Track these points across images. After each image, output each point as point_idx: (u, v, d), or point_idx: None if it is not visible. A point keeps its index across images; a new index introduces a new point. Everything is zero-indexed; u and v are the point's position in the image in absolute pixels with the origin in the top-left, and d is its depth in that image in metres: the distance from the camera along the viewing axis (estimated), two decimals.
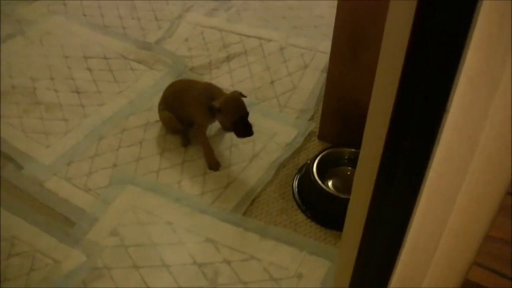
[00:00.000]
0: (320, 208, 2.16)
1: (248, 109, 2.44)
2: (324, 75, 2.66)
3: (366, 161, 1.04)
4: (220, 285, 1.94)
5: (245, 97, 2.26)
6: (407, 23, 0.78)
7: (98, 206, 2.19)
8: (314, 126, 2.53)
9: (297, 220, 2.16)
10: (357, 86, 2.18)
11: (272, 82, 2.79)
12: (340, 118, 2.35)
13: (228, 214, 2.16)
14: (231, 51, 2.99)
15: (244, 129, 2.20)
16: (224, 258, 2.02)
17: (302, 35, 3.10)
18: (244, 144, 2.43)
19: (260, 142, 2.46)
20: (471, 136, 0.86)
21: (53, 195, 2.24)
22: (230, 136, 2.47)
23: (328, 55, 2.26)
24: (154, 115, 2.57)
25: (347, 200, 1.17)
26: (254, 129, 2.42)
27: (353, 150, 2.27)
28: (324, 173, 2.21)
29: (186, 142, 2.44)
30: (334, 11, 2.09)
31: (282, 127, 2.53)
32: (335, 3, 2.07)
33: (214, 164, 2.35)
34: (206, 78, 2.80)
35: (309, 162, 2.25)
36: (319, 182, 2.14)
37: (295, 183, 2.28)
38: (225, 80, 2.79)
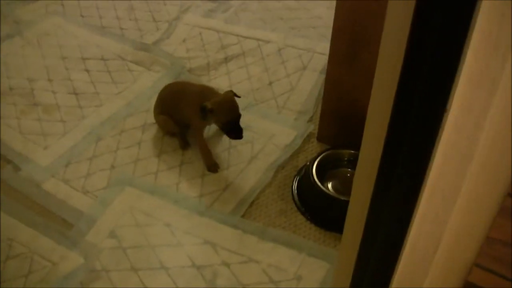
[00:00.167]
0: (320, 210, 2.16)
1: (246, 110, 2.43)
2: (323, 76, 2.66)
3: (365, 162, 1.04)
4: None
5: (239, 97, 2.26)
6: (405, 23, 0.78)
7: (96, 207, 2.18)
8: (313, 127, 2.52)
9: (296, 222, 2.16)
10: (356, 87, 2.18)
11: (270, 83, 2.78)
12: (339, 119, 2.34)
13: (227, 216, 2.16)
14: (229, 52, 2.99)
15: (235, 131, 2.20)
16: (223, 260, 2.01)
17: (301, 36, 3.09)
18: (242, 146, 2.43)
19: (258, 144, 2.45)
20: (471, 136, 0.86)
21: (50, 197, 2.23)
22: (228, 138, 2.46)
23: (326, 56, 2.25)
24: (152, 117, 2.56)
25: (347, 202, 1.16)
26: (253, 130, 2.42)
27: (353, 151, 2.26)
28: (323, 175, 2.21)
29: (185, 145, 2.44)
30: (332, 12, 2.08)
31: (280, 128, 2.52)
32: (334, 4, 2.07)
33: (212, 166, 2.34)
34: (204, 79, 2.79)
35: (308, 163, 2.24)
36: (319, 183, 2.13)
37: (294, 185, 2.28)
38: (223, 82, 2.79)
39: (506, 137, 0.86)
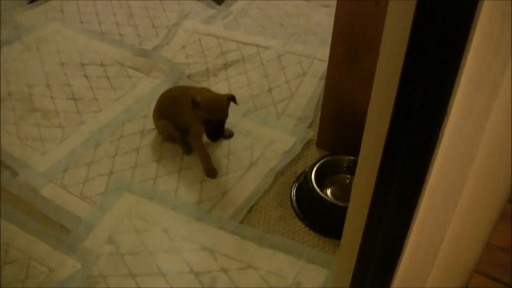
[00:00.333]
0: (319, 216, 2.15)
1: (246, 116, 2.43)
2: (322, 82, 2.66)
3: (364, 168, 1.03)
4: None
5: (236, 104, 2.28)
6: (405, 26, 0.77)
7: (94, 213, 2.17)
8: (312, 134, 2.51)
9: (295, 228, 2.15)
10: (356, 93, 2.17)
11: (270, 90, 2.78)
12: (338, 125, 2.34)
13: (225, 222, 2.15)
14: (229, 58, 2.98)
15: (213, 132, 2.21)
16: (221, 267, 2.00)
17: (300, 42, 3.10)
18: (241, 152, 2.42)
19: (257, 150, 2.44)
20: (472, 139, 0.85)
21: (48, 202, 2.22)
22: (228, 144, 2.46)
23: (326, 63, 2.25)
24: (151, 122, 2.56)
25: (346, 208, 1.15)
26: (252, 136, 2.42)
27: (352, 158, 2.25)
28: (322, 181, 2.20)
29: (188, 150, 2.43)
30: (332, 19, 2.08)
31: (280, 134, 2.52)
32: (333, 10, 2.07)
33: (211, 171, 2.33)
34: (203, 85, 2.78)
35: (307, 170, 2.23)
36: (318, 190, 2.13)
37: (293, 191, 2.27)
38: (222, 88, 2.78)
39: (507, 140, 0.85)
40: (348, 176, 2.27)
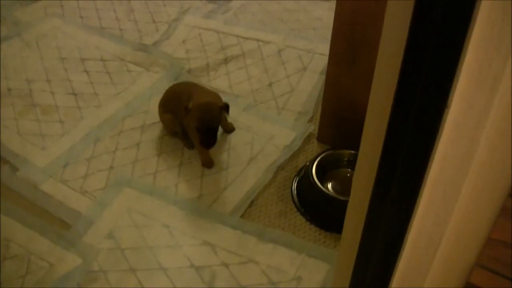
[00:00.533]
0: (319, 211, 2.15)
1: (246, 111, 2.42)
2: (323, 77, 2.65)
3: (365, 162, 1.03)
4: None
5: (227, 114, 2.31)
6: (405, 23, 0.77)
7: (94, 208, 2.17)
8: (313, 128, 2.51)
9: (296, 222, 2.14)
10: (356, 87, 2.17)
11: (270, 84, 2.77)
12: (339, 120, 2.34)
13: (226, 216, 2.15)
14: (229, 53, 2.98)
15: (205, 139, 2.20)
16: (222, 261, 2.00)
17: (301, 37, 3.09)
18: (242, 147, 2.42)
19: (258, 145, 2.44)
20: (472, 136, 0.85)
21: (48, 198, 2.22)
22: (228, 139, 2.46)
23: (327, 57, 2.24)
24: (151, 117, 2.55)
25: (346, 202, 1.15)
26: (252, 131, 2.41)
27: (353, 152, 2.25)
28: (323, 175, 2.20)
29: (190, 145, 2.43)
30: (332, 14, 2.07)
31: (280, 129, 2.51)
32: (333, 5, 2.06)
33: (207, 162, 2.34)
34: (203, 80, 2.78)
35: (308, 164, 2.23)
36: (319, 184, 2.12)
37: (294, 185, 2.27)
38: (222, 82, 2.78)
39: (507, 136, 0.85)
40: (349, 170, 2.27)
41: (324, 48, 2.85)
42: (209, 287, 1.92)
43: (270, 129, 2.51)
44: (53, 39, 3.06)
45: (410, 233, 1.01)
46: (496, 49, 0.75)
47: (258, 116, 2.58)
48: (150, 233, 2.09)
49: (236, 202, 2.20)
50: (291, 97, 2.70)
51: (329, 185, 2.22)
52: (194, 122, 2.18)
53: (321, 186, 2.12)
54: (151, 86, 2.76)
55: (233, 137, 2.46)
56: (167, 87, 2.65)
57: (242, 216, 2.16)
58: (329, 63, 2.22)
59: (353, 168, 2.22)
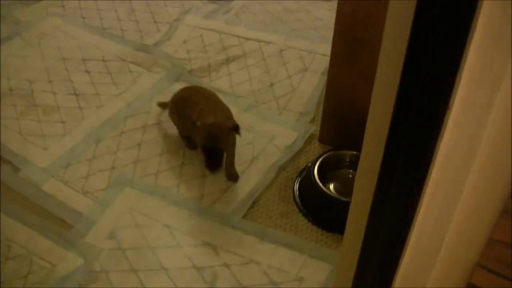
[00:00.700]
0: (321, 211, 2.15)
1: (247, 111, 2.42)
2: (324, 77, 2.65)
3: (367, 163, 1.03)
4: None
5: (239, 135, 2.18)
6: (407, 23, 0.77)
7: (96, 209, 2.17)
8: (315, 128, 2.51)
9: (298, 223, 2.14)
10: (357, 88, 2.17)
11: (271, 85, 2.77)
12: (340, 120, 2.34)
13: (227, 217, 2.15)
14: (230, 53, 2.98)
15: (209, 161, 2.15)
16: (223, 262, 2.00)
17: (302, 37, 3.09)
18: (243, 147, 2.42)
19: (259, 145, 2.44)
20: (473, 135, 0.85)
21: (50, 198, 2.22)
22: None
23: (328, 58, 2.24)
24: (152, 118, 2.55)
25: (348, 203, 1.15)
26: (254, 131, 2.41)
27: (354, 152, 2.25)
28: (325, 176, 2.20)
29: (193, 146, 2.41)
30: (333, 14, 2.08)
31: (281, 129, 2.51)
32: (335, 5, 2.06)
33: (230, 174, 2.30)
34: (205, 81, 2.78)
35: (309, 165, 2.23)
36: (320, 185, 2.12)
37: (296, 186, 2.27)
38: (224, 83, 2.78)
39: (508, 136, 0.85)
40: (351, 171, 2.27)
41: (325, 48, 2.85)
42: None
43: (271, 130, 2.51)
44: (54, 39, 3.06)
45: (412, 234, 1.01)
46: (497, 49, 0.75)
47: (259, 117, 2.58)
48: (152, 233, 2.09)
49: (238, 203, 2.20)
50: (292, 97, 2.70)
51: (331, 186, 2.22)
52: (201, 140, 2.12)
53: (322, 187, 2.12)
54: (152, 86, 2.76)
55: None
56: (168, 88, 2.65)
57: (243, 216, 2.16)
58: (330, 63, 2.22)
59: (354, 169, 2.22)
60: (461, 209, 0.96)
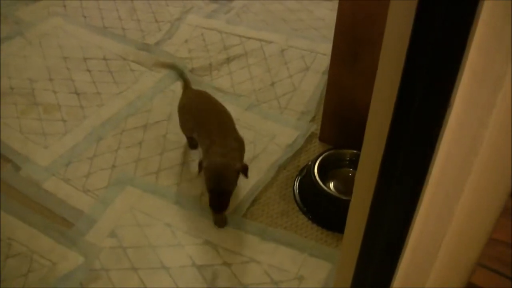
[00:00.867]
0: (322, 210, 2.15)
1: (249, 110, 2.41)
2: (325, 77, 2.65)
3: (367, 162, 1.03)
4: None
5: (246, 177, 2.05)
6: (408, 21, 0.77)
7: (97, 207, 2.17)
8: (315, 127, 2.51)
9: (298, 222, 2.15)
10: (358, 87, 2.17)
11: (272, 84, 2.77)
12: (341, 119, 2.34)
13: (228, 216, 2.15)
14: (231, 53, 2.98)
15: (214, 201, 1.96)
16: (224, 261, 2.00)
17: (303, 37, 3.09)
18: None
19: (260, 144, 2.44)
20: (475, 135, 0.85)
21: (51, 196, 2.22)
22: None
23: (329, 57, 2.24)
24: (154, 116, 2.56)
25: (349, 201, 1.15)
26: (255, 130, 2.41)
27: (355, 151, 2.25)
28: (325, 175, 2.20)
29: (195, 146, 2.39)
30: (334, 14, 2.08)
31: (282, 128, 2.51)
32: (336, 5, 2.06)
33: (219, 221, 2.14)
34: (206, 80, 2.78)
35: (310, 163, 2.23)
36: (321, 183, 2.13)
37: (296, 184, 2.27)
38: (225, 82, 2.78)
39: (510, 135, 0.85)
40: (351, 169, 2.27)
41: (326, 48, 2.85)
42: (211, 287, 1.92)
43: (272, 129, 2.52)
44: (56, 38, 3.07)
45: (412, 233, 1.01)
46: (499, 48, 0.75)
47: (260, 116, 2.58)
48: (152, 232, 2.09)
49: (238, 201, 2.20)
50: (293, 96, 2.70)
51: (331, 185, 2.22)
52: (206, 182, 1.97)
53: (323, 186, 2.12)
54: (153, 85, 2.76)
55: None
56: (169, 87, 2.65)
57: (244, 215, 2.16)
58: (331, 62, 2.22)
59: (355, 168, 2.22)
60: (462, 208, 0.96)
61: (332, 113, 2.36)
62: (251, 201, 2.20)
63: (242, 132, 2.39)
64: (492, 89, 0.79)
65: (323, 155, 2.23)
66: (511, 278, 1.12)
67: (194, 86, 2.44)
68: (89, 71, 2.86)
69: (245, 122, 2.52)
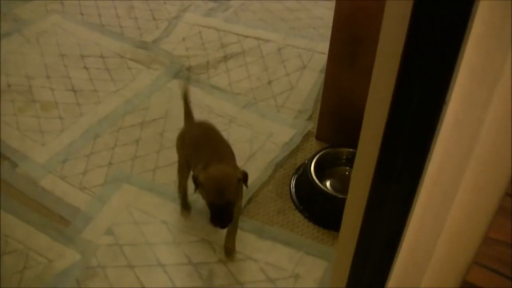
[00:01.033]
0: (318, 208, 2.15)
1: (246, 109, 2.41)
2: (322, 75, 2.65)
3: (363, 160, 1.03)
4: (215, 286, 1.92)
5: (246, 187, 1.89)
6: (404, 20, 0.77)
7: (93, 204, 2.17)
8: (312, 126, 2.51)
9: (295, 220, 2.15)
10: (355, 86, 2.17)
11: (269, 82, 2.77)
12: (338, 118, 2.34)
13: None
14: (229, 51, 2.98)
15: (216, 216, 1.78)
16: (220, 258, 2.00)
17: (300, 36, 3.09)
18: (241, 144, 2.42)
19: (257, 142, 2.44)
20: (472, 133, 0.85)
21: (47, 194, 2.22)
22: (226, 136, 2.46)
23: (326, 56, 2.25)
24: (151, 114, 2.56)
25: (345, 200, 1.15)
26: (252, 128, 2.41)
27: (351, 150, 2.25)
28: (321, 173, 2.20)
29: (186, 207, 2.19)
30: (332, 13, 2.08)
31: (279, 127, 2.52)
32: (334, 4, 2.06)
33: (229, 250, 2.04)
34: (203, 78, 2.78)
35: (306, 162, 2.23)
36: (317, 182, 2.13)
37: (293, 183, 2.27)
38: (222, 80, 2.78)
39: (507, 132, 0.85)
40: (347, 168, 2.27)
41: (324, 46, 2.85)
42: (207, 284, 1.92)
43: (269, 127, 2.52)
44: (53, 35, 3.06)
45: (408, 231, 1.01)
46: (498, 46, 0.75)
47: (258, 114, 2.58)
48: (149, 229, 2.09)
49: None
50: (290, 95, 2.70)
51: (328, 183, 2.22)
52: (206, 197, 1.80)
53: (319, 184, 2.12)
54: (151, 83, 2.76)
55: (232, 135, 2.46)
56: (167, 84, 2.65)
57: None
58: (328, 61, 2.22)
59: (351, 166, 2.22)
60: (458, 207, 0.96)
61: (329, 112, 2.36)
62: (247, 199, 2.20)
63: (239, 130, 2.39)
64: (490, 87, 0.79)
65: (320, 154, 2.23)
66: (511, 278, 1.12)
67: (192, 85, 2.43)
68: (86, 68, 2.85)
69: (242, 120, 2.52)
